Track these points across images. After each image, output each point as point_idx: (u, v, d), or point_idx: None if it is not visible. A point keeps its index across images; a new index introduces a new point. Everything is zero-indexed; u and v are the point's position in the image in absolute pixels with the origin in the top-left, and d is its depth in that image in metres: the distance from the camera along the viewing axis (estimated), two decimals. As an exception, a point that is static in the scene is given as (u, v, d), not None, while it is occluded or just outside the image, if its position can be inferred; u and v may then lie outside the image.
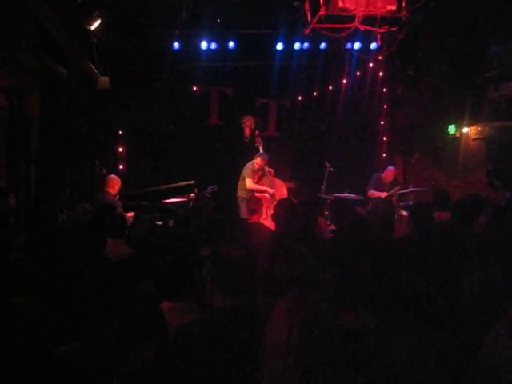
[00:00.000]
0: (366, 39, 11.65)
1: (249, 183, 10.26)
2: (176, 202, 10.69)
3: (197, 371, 2.60)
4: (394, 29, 8.66)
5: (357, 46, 11.99)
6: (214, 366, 2.61)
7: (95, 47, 10.40)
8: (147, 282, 3.91)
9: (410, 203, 10.34)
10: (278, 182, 10.68)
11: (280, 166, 11.71)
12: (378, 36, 10.12)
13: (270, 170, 10.62)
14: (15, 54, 8.59)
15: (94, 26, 9.82)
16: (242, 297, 3.03)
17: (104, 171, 11.93)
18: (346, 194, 11.22)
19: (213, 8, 10.83)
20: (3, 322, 3.17)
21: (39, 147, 9.60)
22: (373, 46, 11.81)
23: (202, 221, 6.88)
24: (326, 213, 10.93)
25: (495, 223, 6.29)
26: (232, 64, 12.67)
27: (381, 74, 13.04)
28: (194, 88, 13.29)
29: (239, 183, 10.55)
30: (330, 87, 13.39)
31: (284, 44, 12.07)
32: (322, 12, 8.10)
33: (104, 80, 10.78)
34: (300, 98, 13.52)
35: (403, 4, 8.01)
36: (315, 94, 13.45)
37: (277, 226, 6.52)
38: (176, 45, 11.93)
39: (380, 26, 8.41)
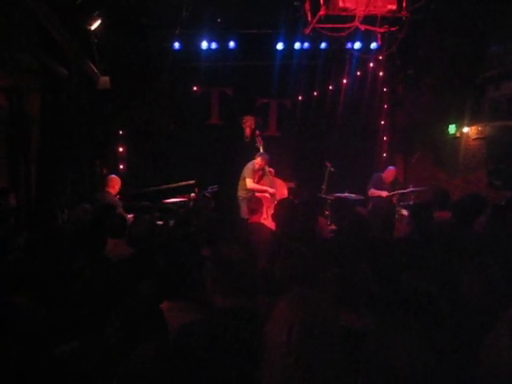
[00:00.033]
0: (366, 39, 11.65)
1: (249, 183, 10.26)
2: (176, 202, 10.70)
3: (197, 371, 2.60)
4: (394, 28, 8.66)
5: (357, 45, 11.99)
6: (214, 365, 2.61)
7: (95, 47, 10.40)
8: (147, 282, 3.91)
9: (411, 203, 10.34)
10: (279, 182, 10.68)
11: (280, 165, 11.71)
12: (379, 36, 10.13)
13: (271, 169, 10.62)
14: (15, 53, 8.59)
15: (94, 26, 9.82)
16: (243, 297, 3.03)
17: (104, 171, 11.93)
18: (347, 194, 11.23)
19: (213, 8, 10.83)
20: (3, 321, 3.17)
21: (39, 147, 9.61)
22: (373, 45, 11.80)
23: (203, 221, 6.89)
24: (327, 213, 10.94)
25: (495, 223, 6.29)
26: (232, 64, 12.66)
27: (381, 73, 13.03)
28: (195, 88, 13.29)
29: (240, 183, 10.55)
30: (331, 87, 13.38)
31: (284, 44, 12.06)
32: (322, 12, 8.10)
33: (104, 80, 10.78)
34: (300, 97, 13.51)
35: (403, 4, 8.00)
36: (315, 93, 13.44)
37: (277, 225, 6.52)
38: (176, 45, 11.93)
39: (380, 26, 8.40)
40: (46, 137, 9.69)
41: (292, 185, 12.12)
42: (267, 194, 10.13)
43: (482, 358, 2.53)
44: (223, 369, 2.61)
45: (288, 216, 6.28)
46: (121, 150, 12.82)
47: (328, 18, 8.34)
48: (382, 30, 8.63)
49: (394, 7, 7.97)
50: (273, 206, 7.95)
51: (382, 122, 13.50)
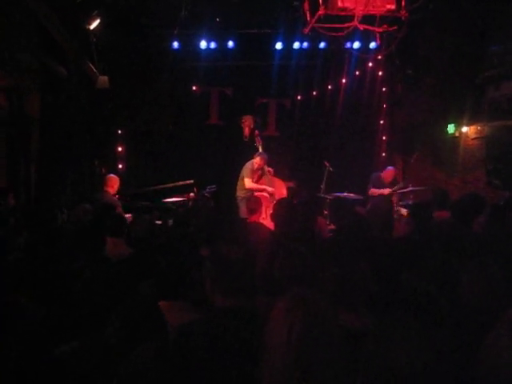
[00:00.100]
0: (365, 39, 11.65)
1: (247, 183, 10.26)
2: (175, 202, 10.70)
3: (197, 371, 2.60)
4: (393, 28, 8.67)
5: (356, 45, 11.99)
6: (213, 365, 2.62)
7: (95, 47, 10.40)
8: (147, 282, 3.92)
9: (410, 202, 10.35)
10: (278, 182, 10.68)
11: (279, 165, 11.72)
12: (378, 35, 10.12)
13: (270, 169, 10.61)
14: (15, 53, 8.60)
15: (93, 26, 9.82)
16: (242, 297, 3.03)
17: (103, 171, 11.94)
18: (346, 194, 11.23)
19: (212, 8, 10.83)
20: (3, 321, 3.18)
21: (39, 147, 9.62)
22: (372, 45, 11.82)
23: (202, 220, 6.89)
24: (326, 212, 10.95)
25: (494, 223, 6.30)
26: (232, 64, 12.66)
27: (380, 73, 13.03)
28: (194, 88, 13.29)
29: (238, 183, 10.54)
30: (330, 87, 13.38)
31: (283, 43, 12.06)
32: (321, 11, 8.09)
33: (103, 80, 10.77)
34: (299, 97, 13.52)
35: (402, 3, 8.00)
36: (315, 93, 13.45)
37: (276, 225, 6.51)
38: (175, 44, 11.93)
39: (379, 26, 8.41)
40: (45, 137, 9.70)
41: (291, 184, 12.11)
42: (266, 194, 10.12)
43: (482, 358, 2.53)
44: (223, 369, 2.61)
45: (287, 216, 6.27)
46: (120, 149, 12.83)
47: (327, 18, 8.33)
48: (380, 30, 8.64)
49: (392, 7, 7.97)
50: (272, 205, 7.95)
51: (381, 122, 13.50)
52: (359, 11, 7.79)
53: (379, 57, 12.35)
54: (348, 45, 11.98)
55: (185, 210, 9.87)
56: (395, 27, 8.69)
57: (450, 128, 11.39)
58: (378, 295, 3.42)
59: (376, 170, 11.82)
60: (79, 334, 3.49)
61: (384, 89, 13.27)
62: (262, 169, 10.46)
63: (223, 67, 12.82)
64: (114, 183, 9.60)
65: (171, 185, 11.33)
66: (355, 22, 7.90)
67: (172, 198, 10.81)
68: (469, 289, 3.58)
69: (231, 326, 2.80)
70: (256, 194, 9.71)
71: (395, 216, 10.44)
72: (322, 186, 11.40)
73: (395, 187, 10.90)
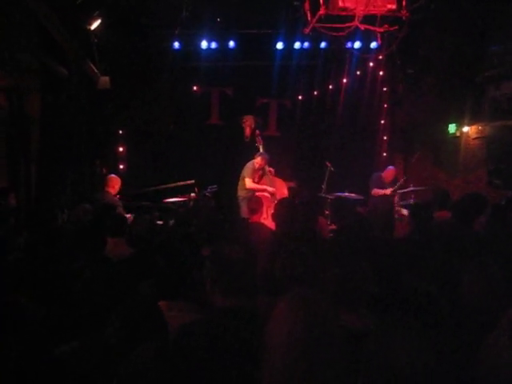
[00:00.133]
0: (366, 38, 11.66)
1: (248, 183, 10.26)
2: (176, 202, 10.70)
3: (197, 371, 2.60)
4: (394, 28, 8.66)
5: (357, 45, 12.00)
6: (214, 365, 2.61)
7: (95, 47, 10.40)
8: (147, 282, 3.91)
9: (411, 202, 10.35)
10: (279, 182, 10.68)
11: (280, 165, 11.71)
12: (378, 35, 10.11)
13: (270, 169, 10.61)
14: (15, 53, 8.59)
15: (94, 26, 9.82)
16: (242, 297, 3.03)
17: (104, 171, 11.93)
18: (347, 194, 11.23)
19: (213, 8, 10.83)
20: (3, 321, 3.17)
21: (39, 147, 9.61)
22: (373, 45, 11.82)
23: (203, 220, 6.89)
24: (327, 212, 10.96)
25: (495, 223, 6.29)
26: (232, 64, 12.65)
27: (381, 73, 13.02)
28: (195, 88, 13.29)
29: (239, 183, 10.54)
30: (331, 87, 13.37)
31: (284, 43, 12.06)
32: (321, 11, 8.09)
33: (104, 80, 10.77)
34: (300, 97, 13.51)
35: (403, 3, 8.00)
36: (315, 93, 13.44)
37: (277, 225, 6.52)
38: (176, 44, 11.94)
39: (380, 26, 8.40)
40: (46, 137, 9.69)
41: (292, 184, 12.12)
42: (267, 194, 10.12)
43: (482, 358, 2.53)
44: (223, 369, 2.61)
45: (288, 216, 6.27)
46: (121, 149, 12.82)
47: (328, 18, 8.33)
48: (381, 30, 8.63)
49: (393, 7, 7.97)
50: (273, 205, 7.95)
51: (382, 122, 13.48)
52: (360, 11, 7.78)
53: (380, 57, 12.35)
54: (349, 45, 12.00)
55: (186, 210, 9.86)
56: (396, 27, 8.68)
57: (451, 128, 11.38)
58: (378, 295, 3.42)
59: (377, 170, 11.84)
60: (79, 334, 3.48)
61: (385, 89, 13.26)
62: (262, 169, 10.46)
63: (224, 67, 12.81)
64: (115, 183, 9.61)
65: (172, 185, 11.33)
66: (356, 22, 7.90)
67: (173, 198, 10.80)
68: (469, 289, 3.58)
69: (231, 326, 2.80)
70: (257, 193, 9.72)
71: (396, 216, 10.45)
72: (323, 186, 11.39)
73: (396, 186, 10.90)
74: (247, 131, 12.97)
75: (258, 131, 11.45)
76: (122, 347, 2.83)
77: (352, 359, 2.33)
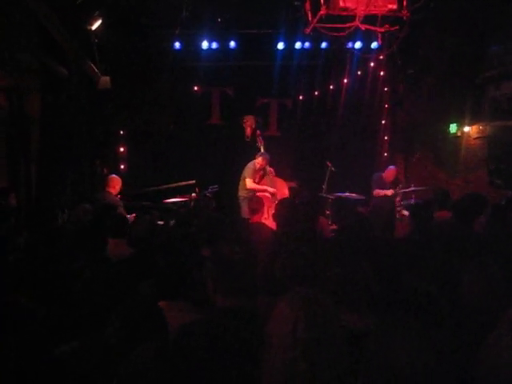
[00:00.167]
0: (366, 38, 11.66)
1: (249, 183, 10.27)
2: (177, 202, 10.69)
3: (197, 371, 2.60)
4: (394, 28, 8.66)
5: (358, 45, 12.01)
6: (214, 365, 2.61)
7: (96, 47, 10.40)
8: (147, 282, 3.91)
9: (412, 202, 10.35)
10: (280, 182, 10.68)
11: (281, 165, 11.70)
12: (379, 35, 10.12)
13: (271, 169, 10.61)
14: (15, 53, 8.59)
15: (94, 26, 9.83)
16: (243, 297, 3.03)
17: (105, 171, 11.93)
18: (348, 194, 11.23)
19: (213, 8, 10.83)
20: (3, 321, 3.17)
21: (39, 147, 9.61)
22: (374, 45, 11.82)
23: (203, 221, 6.88)
24: (328, 212, 10.96)
25: (495, 223, 6.29)
26: (233, 64, 12.65)
27: (382, 73, 13.02)
28: (195, 88, 13.28)
29: (240, 183, 10.55)
30: (331, 87, 13.37)
31: (285, 43, 12.06)
32: (322, 11, 8.09)
33: (105, 80, 10.77)
34: (301, 97, 13.50)
35: (404, 3, 8.00)
36: (316, 93, 13.44)
37: (278, 225, 6.52)
38: (177, 44, 11.94)
39: (381, 26, 8.40)
40: (46, 137, 9.69)
41: (293, 184, 12.10)
42: (267, 194, 10.13)
43: (482, 358, 2.53)
44: (223, 369, 2.61)
45: (289, 216, 6.27)
46: (121, 149, 12.81)
47: (328, 18, 8.33)
48: (382, 30, 8.63)
49: (394, 7, 7.97)
50: (274, 205, 7.95)
51: (383, 122, 13.49)
52: (361, 11, 7.78)
53: (381, 57, 12.37)
54: (350, 45, 12.02)
55: (186, 210, 9.86)
56: (397, 27, 8.69)
57: (452, 128, 11.38)
58: (379, 295, 3.41)
59: (377, 170, 11.84)
60: (79, 334, 3.48)
61: (386, 89, 13.27)
62: (263, 169, 10.47)
63: (224, 67, 12.82)
64: (115, 184, 9.61)
65: (173, 185, 11.34)
66: (357, 22, 7.90)
67: (174, 198, 10.80)
68: (469, 289, 3.58)
69: (231, 326, 2.80)
70: (258, 194, 9.72)
71: (397, 216, 10.45)
72: (323, 186, 11.39)
73: (397, 189, 10.89)
74: (248, 131, 12.95)
75: (258, 131, 11.45)
76: (122, 347, 2.83)
77: (352, 359, 2.33)
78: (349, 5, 7.84)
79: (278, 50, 12.17)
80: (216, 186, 11.10)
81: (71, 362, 3.19)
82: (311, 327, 2.23)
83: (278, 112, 13.78)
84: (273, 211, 7.02)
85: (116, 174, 10.04)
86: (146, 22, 11.22)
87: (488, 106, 10.40)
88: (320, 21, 8.38)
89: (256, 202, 7.41)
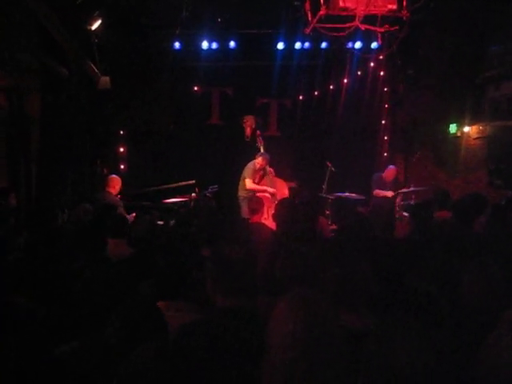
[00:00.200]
0: (366, 38, 11.66)
1: (248, 183, 10.27)
2: (177, 202, 10.69)
3: (197, 371, 2.60)
4: (394, 28, 8.66)
5: (358, 45, 12.01)
6: (214, 366, 2.61)
7: (96, 47, 10.40)
8: (147, 282, 3.91)
9: (412, 202, 10.35)
10: (280, 182, 10.68)
11: (281, 165, 11.70)
12: (379, 35, 10.12)
13: (271, 169, 10.61)
14: (15, 53, 8.59)
15: (94, 26, 9.83)
16: (243, 297, 3.02)
17: (105, 171, 11.93)
18: (347, 194, 11.23)
19: (213, 8, 10.83)
20: (3, 321, 3.17)
21: (40, 147, 9.62)
22: (373, 45, 11.82)
23: (203, 221, 6.88)
24: (328, 212, 10.95)
25: (495, 223, 6.29)
26: (233, 64, 12.64)
27: (382, 73, 13.02)
28: (195, 88, 13.27)
29: (240, 183, 10.55)
30: (331, 87, 13.36)
31: (285, 44, 12.06)
32: (322, 11, 8.09)
33: (105, 80, 10.77)
34: (301, 97, 13.49)
35: (404, 3, 8.00)
36: (316, 93, 13.43)
37: (278, 225, 6.51)
38: (177, 45, 11.94)
39: (381, 26, 8.41)
40: (46, 137, 9.70)
41: (293, 184, 12.09)
42: (267, 194, 10.13)
43: (482, 358, 2.53)
44: (223, 369, 2.61)
45: (289, 216, 6.26)
46: (121, 150, 12.80)
47: (328, 18, 8.33)
48: (382, 30, 8.64)
49: (394, 7, 7.97)
50: (273, 205, 7.94)
51: (383, 122, 13.48)
52: (360, 11, 7.79)
53: (381, 57, 12.37)
54: (349, 45, 12.03)
55: (186, 210, 9.86)
56: (396, 27, 8.69)
57: (452, 128, 11.38)
58: (379, 295, 3.41)
59: (377, 170, 11.85)
60: (79, 334, 3.48)
61: (385, 89, 13.27)
62: (263, 169, 10.47)
63: (224, 67, 12.81)
64: (115, 184, 9.62)
65: (173, 185, 11.33)
66: (357, 22, 7.90)
67: (173, 198, 10.80)
68: (469, 289, 3.58)
69: (231, 326, 2.79)
70: (258, 194, 9.72)
71: (397, 216, 10.45)
72: (323, 186, 11.39)
73: (398, 191, 10.91)
74: (248, 131, 12.93)
75: (258, 131, 11.44)
76: (122, 347, 2.83)
77: (352, 359, 2.33)
78: (349, 5, 7.84)
79: (277, 50, 12.17)
80: (216, 186, 11.10)
81: (71, 362, 3.19)
82: (311, 327, 2.23)
83: (278, 112, 13.77)
84: (273, 211, 7.01)
85: (116, 174, 10.06)
86: (146, 21, 11.23)
87: (488, 106, 10.41)
88: (320, 21, 8.38)
89: (256, 202, 7.41)
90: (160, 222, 8.51)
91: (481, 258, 3.77)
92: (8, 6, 8.12)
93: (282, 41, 12.00)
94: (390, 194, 10.98)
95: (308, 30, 8.94)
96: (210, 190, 10.95)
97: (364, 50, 12.06)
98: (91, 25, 9.73)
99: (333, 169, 11.41)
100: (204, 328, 2.81)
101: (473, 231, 6.01)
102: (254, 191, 10.10)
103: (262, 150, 10.74)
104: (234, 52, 12.30)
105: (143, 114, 12.56)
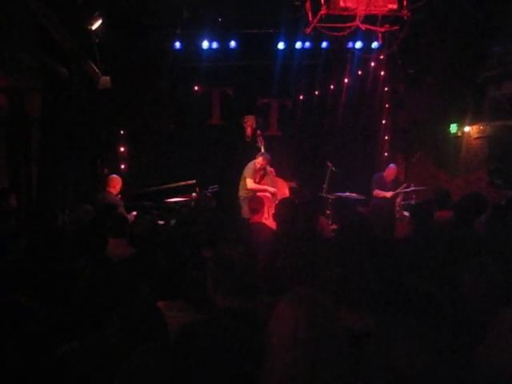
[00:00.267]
0: (367, 38, 11.66)
1: (249, 183, 10.27)
2: (178, 202, 10.69)
3: (198, 371, 2.60)
4: (395, 28, 8.66)
5: (358, 45, 12.00)
6: (214, 365, 2.61)
7: (96, 47, 10.39)
8: (147, 282, 3.91)
9: (412, 202, 10.35)
10: (280, 182, 10.69)
11: (282, 165, 11.71)
12: (379, 35, 10.13)
13: (271, 169, 10.61)
14: (15, 53, 8.58)
15: (95, 26, 9.83)
16: (243, 297, 3.03)
17: (106, 171, 11.92)
18: (348, 194, 11.22)
19: (214, 8, 10.83)
20: (3, 321, 3.17)
21: (40, 147, 9.61)
22: (374, 45, 11.82)
23: (204, 221, 6.88)
24: (328, 212, 10.94)
25: (496, 222, 6.29)
26: (233, 63, 12.63)
27: (382, 73, 13.02)
28: (196, 88, 13.25)
29: (241, 183, 10.55)
30: (332, 86, 13.35)
31: (285, 43, 12.05)
32: (323, 11, 8.09)
33: (106, 80, 10.77)
34: (301, 97, 13.47)
35: (404, 3, 8.00)
36: (317, 93, 13.41)
37: (278, 225, 6.51)
38: (177, 44, 11.92)
39: (381, 25, 8.41)
40: (46, 137, 9.69)
41: (293, 184, 12.09)
42: (268, 194, 10.13)
43: (482, 358, 2.53)
44: (224, 369, 2.61)
45: (289, 216, 6.26)
46: (122, 149, 12.79)
47: (329, 18, 8.33)
48: (382, 30, 8.65)
49: (394, 6, 7.97)
50: (274, 205, 7.94)
51: (384, 122, 13.47)
52: (361, 11, 7.78)
53: (381, 56, 12.38)
54: (350, 44, 12.03)
55: (187, 209, 9.85)
56: (397, 27, 8.69)
57: (453, 128, 11.38)
58: (379, 295, 3.41)
59: (378, 170, 11.84)
60: (80, 335, 3.48)
61: (386, 89, 13.26)
62: (264, 169, 10.47)
63: (225, 67, 12.80)
64: (116, 183, 9.63)
65: (173, 185, 11.32)
66: (357, 22, 7.90)
67: (174, 198, 10.80)
68: (469, 289, 3.58)
69: (232, 326, 2.80)
70: (258, 194, 9.72)
71: (397, 216, 10.44)
72: (324, 186, 11.39)
73: (397, 190, 10.90)
74: (248, 131, 12.93)
75: (259, 131, 11.46)
76: (123, 347, 2.83)
77: (352, 359, 2.33)
78: (349, 5, 7.84)
79: (278, 49, 12.16)
80: (216, 185, 11.10)
81: (72, 362, 3.19)
82: (312, 327, 2.23)
83: (279, 112, 13.75)
84: (273, 211, 7.01)
85: (116, 174, 10.06)
86: (147, 21, 11.22)
87: (488, 106, 10.41)
88: (320, 20, 8.38)
89: (256, 202, 7.40)
90: (161, 222, 8.52)
91: (481, 258, 3.77)
92: (8, 5, 8.11)
93: (282, 40, 11.99)
94: (389, 194, 10.97)
95: (308, 30, 8.94)
96: (210, 189, 10.94)
97: (364, 49, 12.06)
98: (91, 25, 9.74)
99: (333, 169, 11.40)
100: (204, 328, 2.82)
101: (473, 231, 6.01)
102: (254, 191, 10.10)
103: (262, 150, 10.75)
104: (235, 52, 12.28)
105: (144, 113, 12.55)
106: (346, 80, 13.08)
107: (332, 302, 2.50)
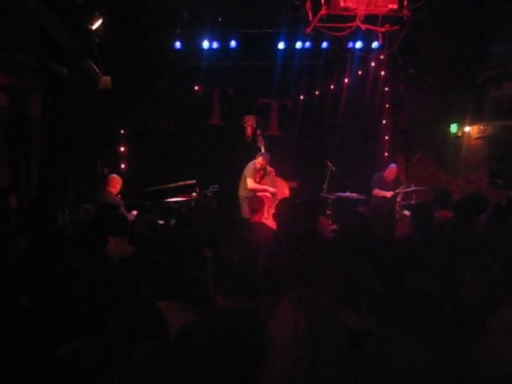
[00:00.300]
0: (367, 38, 11.65)
1: (250, 183, 10.27)
2: (178, 202, 10.69)
3: (198, 371, 2.59)
4: (395, 28, 8.66)
5: (358, 45, 11.99)
6: (214, 365, 2.61)
7: (96, 47, 10.39)
8: (147, 281, 3.91)
9: (412, 202, 10.35)
10: (280, 182, 10.69)
11: (282, 165, 11.72)
12: (380, 35, 10.13)
13: (271, 169, 10.61)
14: (15, 53, 8.59)
15: (95, 26, 9.82)
16: (244, 297, 3.03)
17: (106, 171, 11.91)
18: (348, 194, 11.22)
19: (214, 7, 10.83)
20: (3, 321, 3.17)
21: (40, 147, 9.62)
22: (374, 45, 11.81)
23: (204, 221, 6.88)
24: (328, 212, 10.94)
25: (496, 222, 6.29)
26: (233, 63, 12.62)
27: (382, 73, 13.01)
28: (196, 87, 13.24)
29: (241, 183, 10.56)
30: (332, 86, 13.34)
31: (285, 43, 12.04)
32: (323, 11, 8.10)
33: (106, 80, 10.76)
34: (302, 97, 13.47)
35: (404, 3, 8.00)
36: (317, 93, 13.41)
37: (278, 225, 6.51)
38: (178, 44, 11.91)
39: (381, 25, 8.42)
40: (46, 137, 9.69)
41: (293, 184, 12.09)
42: (268, 194, 10.13)
43: (482, 358, 2.53)
44: (224, 369, 2.61)
45: (289, 216, 6.25)
46: (122, 149, 12.78)
47: (329, 18, 8.33)
48: (383, 30, 8.65)
49: (395, 6, 7.98)
50: (274, 205, 7.94)
51: (384, 122, 13.46)
52: (361, 11, 7.79)
53: (381, 56, 12.37)
54: (350, 44, 12.02)
55: (188, 209, 9.85)
56: (397, 27, 8.69)
57: (453, 128, 11.39)
58: (380, 295, 3.41)
59: (378, 170, 11.83)
60: (80, 334, 3.48)
61: (386, 89, 13.25)
62: (264, 169, 10.47)
63: (225, 67, 12.79)
64: (116, 183, 9.63)
65: (173, 185, 11.31)
66: (357, 22, 7.91)
67: (174, 197, 10.79)
68: (470, 289, 3.58)
69: (232, 326, 2.80)
70: (258, 193, 9.72)
71: (397, 216, 10.44)
72: (324, 186, 11.37)
73: (397, 190, 10.90)
74: (248, 131, 12.93)
75: (259, 131, 11.45)
76: (123, 347, 2.83)
77: (353, 359, 2.33)
78: (349, 4, 7.85)
79: (278, 49, 12.15)
80: (216, 185, 11.09)
81: (72, 362, 3.19)
82: (312, 327, 2.23)
83: (279, 112, 13.74)
84: (273, 211, 7.01)
85: (117, 174, 10.07)
86: (147, 21, 11.22)
87: (489, 106, 10.41)
88: (321, 20, 8.39)
89: (256, 202, 7.40)
90: (161, 222, 8.52)
91: (481, 258, 3.77)
92: (8, 5, 8.11)
93: (282, 40, 11.98)
94: (389, 194, 10.97)
95: (309, 30, 8.95)
96: (210, 189, 10.94)
97: (365, 49, 12.05)
98: (92, 24, 9.73)
99: (333, 168, 11.39)
100: (205, 328, 2.82)
101: (474, 231, 6.01)
102: (254, 191, 10.10)
103: (262, 150, 10.74)
104: (235, 52, 12.28)
105: (144, 113, 12.55)
106: (346, 80, 13.08)
107: (332, 302, 2.50)
